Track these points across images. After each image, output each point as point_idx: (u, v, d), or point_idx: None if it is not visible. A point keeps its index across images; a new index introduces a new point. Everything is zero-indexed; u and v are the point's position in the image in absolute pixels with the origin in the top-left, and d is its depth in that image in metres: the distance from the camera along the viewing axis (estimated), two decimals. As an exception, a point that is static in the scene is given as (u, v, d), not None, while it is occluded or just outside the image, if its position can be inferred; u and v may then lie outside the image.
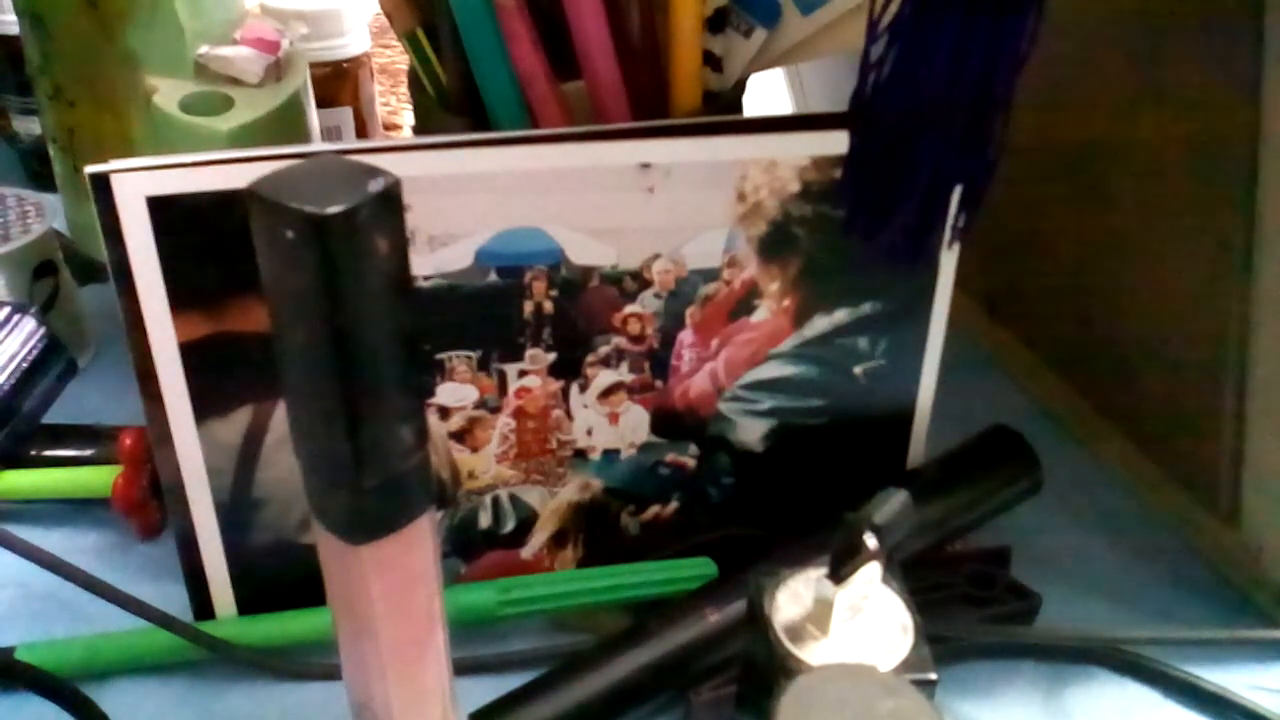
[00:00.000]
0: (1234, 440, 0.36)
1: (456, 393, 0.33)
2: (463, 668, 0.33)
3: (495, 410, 0.33)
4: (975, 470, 0.37)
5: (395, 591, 0.23)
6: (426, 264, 0.31)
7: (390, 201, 0.19)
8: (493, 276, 0.31)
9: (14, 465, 0.39)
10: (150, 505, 0.39)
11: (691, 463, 0.36)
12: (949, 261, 0.34)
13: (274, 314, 0.19)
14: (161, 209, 0.29)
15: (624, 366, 0.34)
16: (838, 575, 0.25)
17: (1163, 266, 0.38)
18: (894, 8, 0.25)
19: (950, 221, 0.30)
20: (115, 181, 0.28)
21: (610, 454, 0.35)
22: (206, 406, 0.31)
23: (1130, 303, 0.40)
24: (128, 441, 0.38)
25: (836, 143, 0.31)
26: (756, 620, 0.26)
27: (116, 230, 0.29)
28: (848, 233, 0.30)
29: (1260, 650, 0.35)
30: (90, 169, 0.28)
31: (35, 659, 0.32)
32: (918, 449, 0.38)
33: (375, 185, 0.18)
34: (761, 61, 0.35)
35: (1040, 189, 0.43)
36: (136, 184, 0.28)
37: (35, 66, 0.42)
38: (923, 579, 0.34)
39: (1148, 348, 0.40)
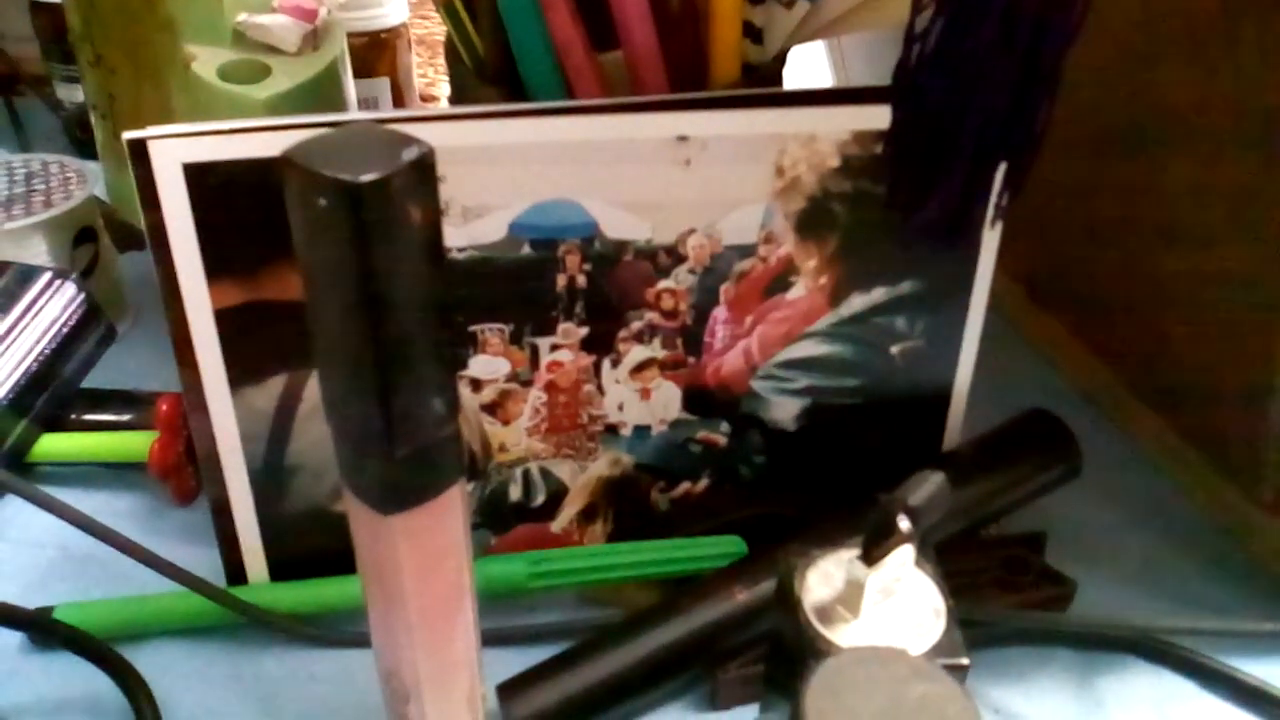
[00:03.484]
0: (1278, 427, 0.35)
1: (489, 365, 0.33)
2: (491, 639, 0.33)
3: (527, 384, 0.33)
4: (1012, 453, 0.37)
5: (425, 561, 0.23)
6: (460, 235, 0.31)
7: (424, 170, 0.19)
8: (526, 249, 0.31)
9: (53, 429, 0.40)
10: (186, 471, 0.39)
11: (723, 440, 0.36)
12: (991, 241, 0.33)
13: (307, 282, 0.19)
14: (198, 176, 0.29)
15: (656, 342, 0.33)
16: (870, 557, 0.24)
17: (1212, 253, 0.37)
18: (941, -22, 0.24)
19: (993, 200, 0.29)
20: (152, 148, 0.28)
21: (641, 430, 0.35)
22: (241, 374, 0.32)
23: (1176, 288, 0.39)
24: (164, 407, 0.38)
25: (878, 117, 0.30)
26: (786, 600, 0.25)
27: (153, 197, 0.29)
28: (888, 209, 0.29)
29: (1301, 643, 0.35)
30: (128, 135, 0.28)
31: (72, 619, 0.33)
32: (954, 431, 0.37)
33: (409, 154, 0.18)
34: (803, 33, 0.34)
35: (1087, 170, 0.42)
36: (173, 150, 0.28)
37: (77, 33, 0.42)
38: (957, 563, 0.34)
39: (1192, 333, 0.39)
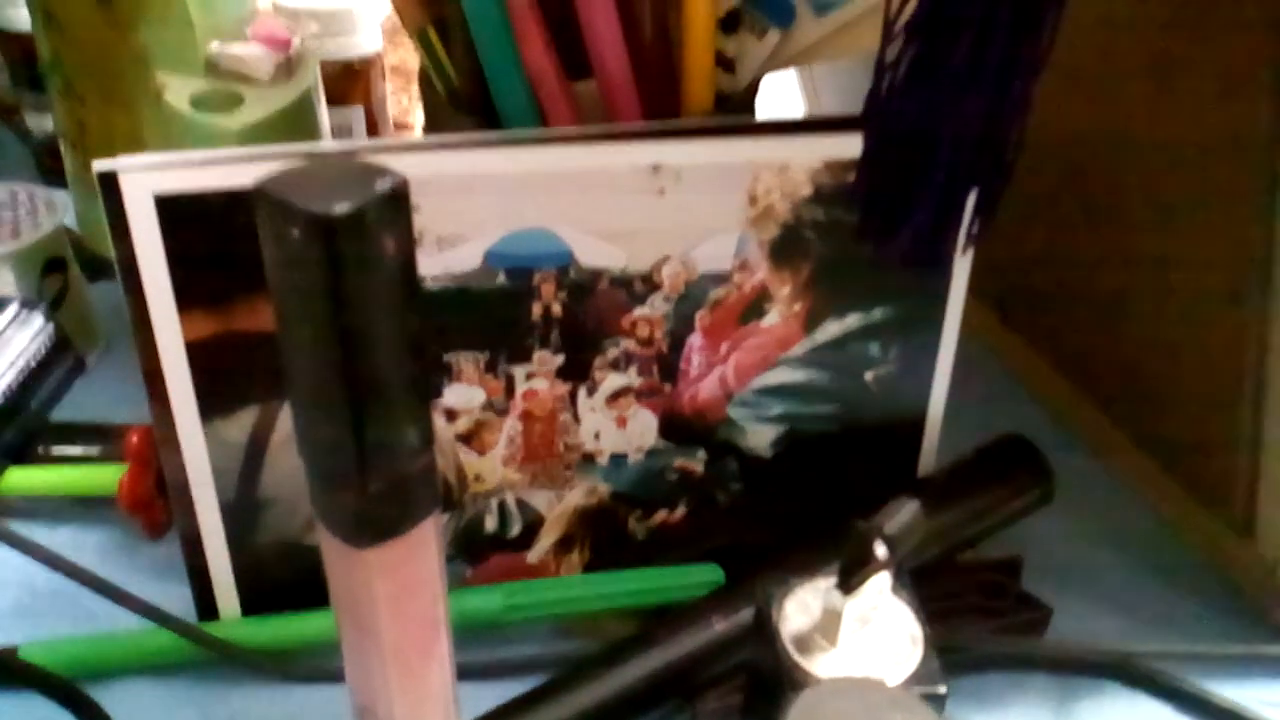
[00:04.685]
0: (1250, 452, 0.35)
1: (464, 395, 0.33)
2: (467, 672, 0.33)
3: (502, 413, 0.33)
4: (986, 479, 0.37)
5: (399, 595, 0.23)
6: (435, 265, 0.31)
7: (398, 201, 0.18)
8: (501, 278, 0.31)
9: (21, 462, 0.39)
10: (156, 504, 0.38)
11: (700, 468, 0.36)
12: (962, 267, 0.33)
13: (279, 313, 0.19)
14: (169, 207, 0.29)
15: (632, 370, 0.33)
16: (847, 585, 0.24)
17: (1179, 276, 0.37)
18: (910, 9, 0.25)
19: (964, 227, 0.29)
20: (123, 179, 0.28)
21: (618, 458, 0.35)
22: (212, 406, 0.31)
23: (1146, 312, 0.40)
24: (134, 440, 0.38)
25: (850, 146, 0.30)
26: (764, 630, 0.25)
27: (124, 228, 0.29)
28: (860, 237, 0.29)
29: (1275, 666, 0.35)
30: (98, 165, 0.28)
31: (39, 658, 0.32)
32: (929, 457, 0.37)
33: (383, 185, 0.18)
34: (775, 63, 0.35)
35: (1056, 196, 0.42)
36: (144, 181, 0.28)
37: (47, 63, 0.42)
38: (933, 589, 0.34)
39: (1163, 357, 0.39)
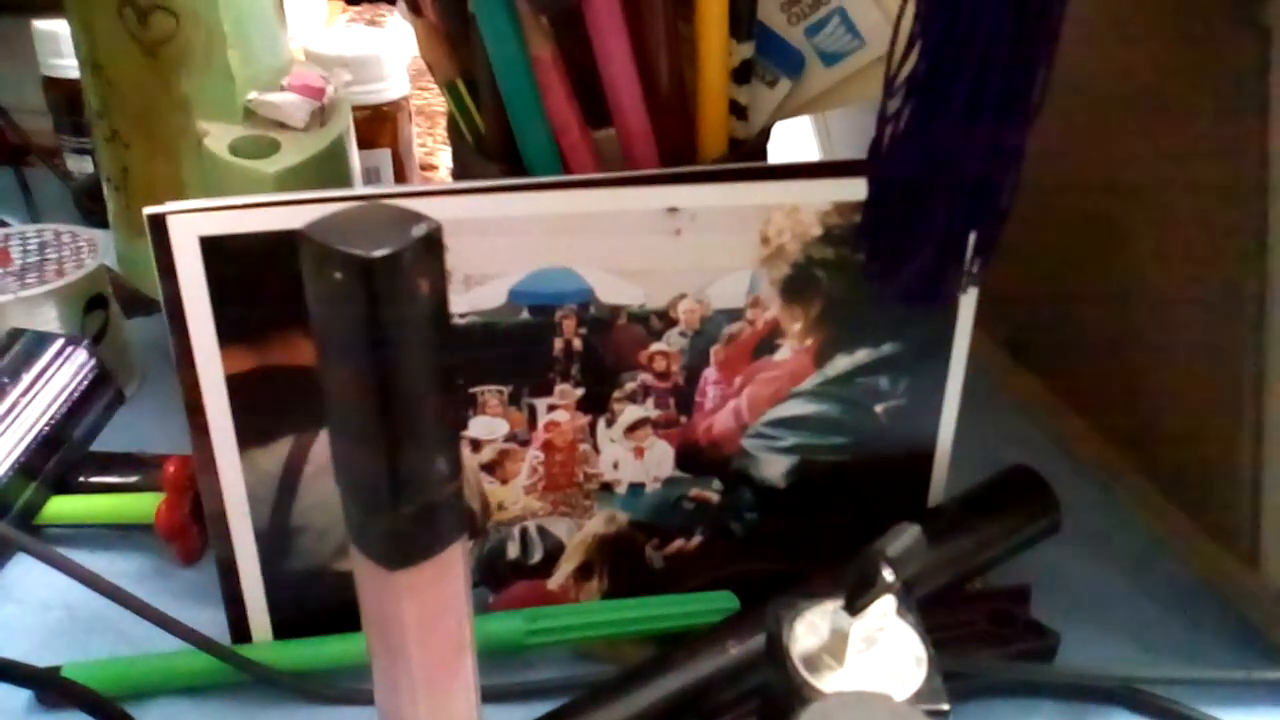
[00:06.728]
0: (1252, 482, 0.36)
1: (488, 426, 0.34)
2: (490, 695, 0.34)
3: (525, 443, 0.35)
4: (995, 509, 0.38)
5: (428, 616, 0.24)
6: (462, 302, 0.32)
7: (432, 245, 0.20)
8: (525, 314, 0.33)
9: (63, 491, 0.41)
10: (191, 531, 0.40)
11: (715, 497, 0.37)
12: (967, 304, 0.35)
13: (320, 349, 0.21)
14: (213, 248, 0.30)
15: (650, 402, 0.35)
16: (853, 607, 0.25)
17: (1179, 312, 0.38)
18: (909, 65, 0.26)
19: (965, 266, 0.30)
20: (171, 222, 0.30)
21: (636, 488, 0.36)
22: (250, 437, 0.33)
23: (1148, 346, 0.41)
24: (171, 469, 0.39)
25: (856, 189, 0.32)
26: (775, 651, 0.26)
27: (170, 268, 0.30)
28: (867, 276, 0.31)
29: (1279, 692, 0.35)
30: (148, 210, 0.30)
31: (80, 678, 0.34)
32: (938, 487, 0.38)
33: (419, 230, 0.20)
34: (785, 110, 0.36)
35: (1061, 234, 0.43)
36: (191, 224, 0.30)
37: (94, 110, 0.44)
38: (942, 616, 0.35)
39: (1166, 390, 0.40)
